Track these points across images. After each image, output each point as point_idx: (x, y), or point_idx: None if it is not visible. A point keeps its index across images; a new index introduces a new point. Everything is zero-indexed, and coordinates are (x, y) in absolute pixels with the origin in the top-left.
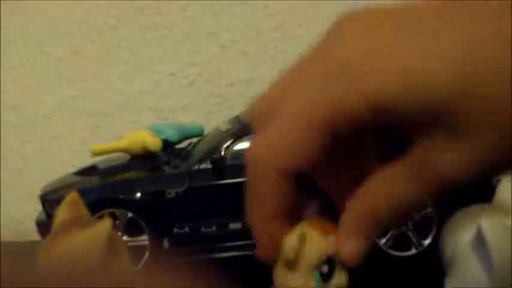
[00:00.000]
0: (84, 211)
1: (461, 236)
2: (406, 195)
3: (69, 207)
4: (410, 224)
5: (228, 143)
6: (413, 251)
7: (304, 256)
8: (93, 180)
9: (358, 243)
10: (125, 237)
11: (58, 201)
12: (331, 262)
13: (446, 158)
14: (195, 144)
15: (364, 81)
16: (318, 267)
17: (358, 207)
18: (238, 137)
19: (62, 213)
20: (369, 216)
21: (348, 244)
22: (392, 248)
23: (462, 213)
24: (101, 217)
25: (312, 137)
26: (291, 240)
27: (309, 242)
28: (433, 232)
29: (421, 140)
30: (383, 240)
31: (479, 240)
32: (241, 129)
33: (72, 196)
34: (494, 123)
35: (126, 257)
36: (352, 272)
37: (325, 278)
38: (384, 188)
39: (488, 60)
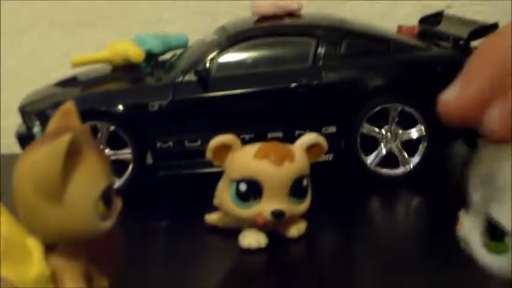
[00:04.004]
0: (75, 122)
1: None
2: None
3: (60, 117)
4: (398, 142)
5: (214, 54)
6: (400, 170)
7: (230, 166)
8: (74, 92)
9: None
10: (107, 151)
11: (37, 113)
12: (254, 186)
13: None
14: (179, 55)
15: None
16: (237, 181)
17: None
18: (224, 48)
19: (51, 123)
20: None
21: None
22: (380, 166)
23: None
24: (84, 129)
25: None
26: (211, 143)
27: (241, 156)
28: (422, 151)
29: None
30: (370, 159)
31: None
32: (227, 40)
33: (66, 106)
34: None
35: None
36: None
37: (242, 196)
38: None
39: None
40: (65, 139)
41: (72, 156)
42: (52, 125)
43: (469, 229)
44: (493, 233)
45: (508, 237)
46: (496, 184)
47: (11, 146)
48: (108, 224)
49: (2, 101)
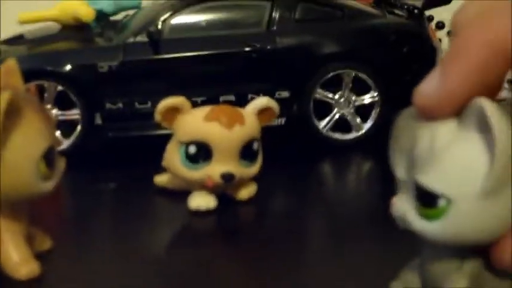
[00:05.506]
0: (17, 80)
1: (440, 128)
2: None
3: (0, 76)
4: (351, 107)
5: (166, 15)
6: (352, 134)
7: (180, 129)
8: (20, 51)
9: None
10: (55, 111)
11: None
12: (204, 148)
13: None
14: (132, 16)
15: None
16: (186, 144)
17: None
18: (176, 10)
19: None
20: None
21: None
22: (332, 130)
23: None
24: (27, 89)
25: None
26: (159, 105)
27: (191, 119)
28: (374, 117)
29: None
30: (322, 123)
31: (481, 119)
32: (180, 2)
33: (8, 64)
34: None
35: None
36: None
37: (192, 158)
38: None
39: None
40: (4, 98)
41: (11, 115)
42: None
43: (401, 205)
44: (425, 200)
45: (441, 200)
46: (418, 151)
47: None
48: (50, 184)
49: None
